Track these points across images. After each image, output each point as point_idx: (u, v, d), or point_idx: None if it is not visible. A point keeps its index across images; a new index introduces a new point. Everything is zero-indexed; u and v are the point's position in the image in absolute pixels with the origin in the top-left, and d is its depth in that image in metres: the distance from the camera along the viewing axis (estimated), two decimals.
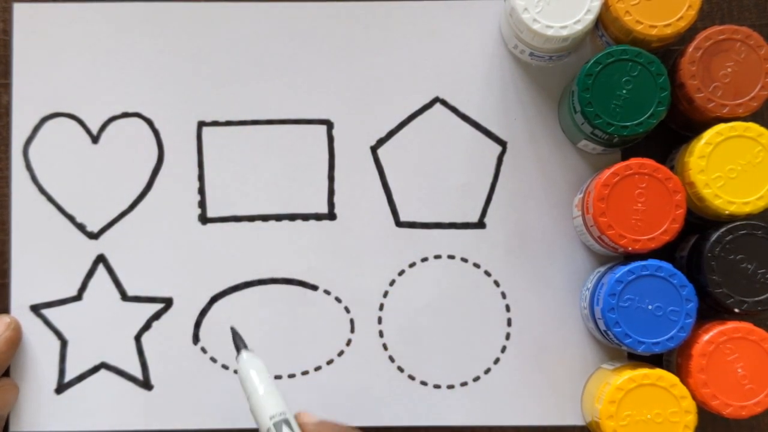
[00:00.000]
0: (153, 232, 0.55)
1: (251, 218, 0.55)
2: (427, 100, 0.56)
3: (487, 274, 0.55)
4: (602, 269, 0.53)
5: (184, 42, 0.56)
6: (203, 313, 0.55)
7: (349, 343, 0.55)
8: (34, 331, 0.55)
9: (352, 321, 0.55)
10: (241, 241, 0.55)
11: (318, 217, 0.56)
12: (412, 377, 0.55)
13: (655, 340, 0.49)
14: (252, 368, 0.48)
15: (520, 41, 0.53)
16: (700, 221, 0.52)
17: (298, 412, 0.47)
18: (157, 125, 0.56)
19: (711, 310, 0.50)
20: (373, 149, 0.56)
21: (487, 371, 0.55)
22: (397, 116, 0.56)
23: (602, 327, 0.50)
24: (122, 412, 0.55)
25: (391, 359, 0.55)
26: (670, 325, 0.49)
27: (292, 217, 0.56)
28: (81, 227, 0.55)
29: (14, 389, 0.54)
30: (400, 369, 0.55)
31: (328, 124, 0.56)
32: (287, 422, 0.46)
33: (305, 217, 0.56)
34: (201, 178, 0.56)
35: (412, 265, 0.55)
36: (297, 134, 0.56)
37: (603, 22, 0.52)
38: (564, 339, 0.55)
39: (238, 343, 0.50)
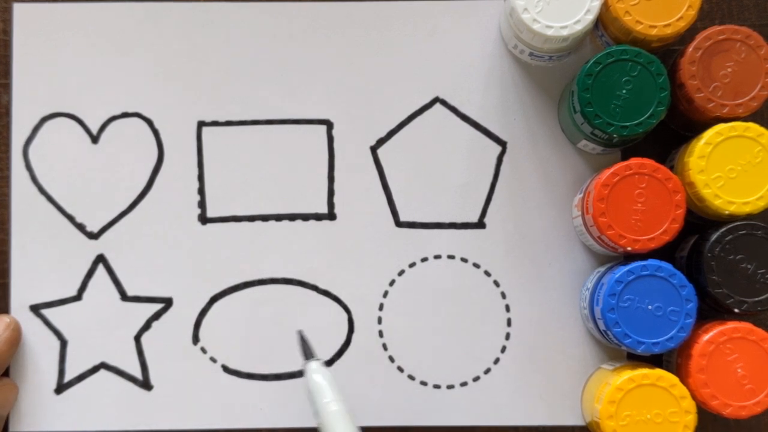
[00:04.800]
0: (153, 232, 0.55)
1: (251, 218, 0.55)
2: (427, 100, 0.56)
3: (487, 274, 0.55)
4: (602, 269, 0.53)
5: (184, 42, 0.56)
6: (203, 313, 0.55)
7: (349, 343, 0.55)
8: (34, 331, 0.55)
9: (352, 321, 0.55)
10: (241, 241, 0.55)
11: (318, 217, 0.56)
12: (412, 377, 0.55)
13: (654, 341, 0.49)
14: (324, 381, 0.48)
15: (520, 41, 0.53)
16: (700, 221, 0.52)
17: None
18: (157, 125, 0.56)
19: (711, 310, 0.50)
20: (373, 149, 0.56)
21: (487, 371, 0.55)
22: (397, 116, 0.56)
23: (602, 327, 0.50)
24: (122, 412, 0.55)
25: (391, 359, 0.55)
26: (670, 326, 0.49)
27: (292, 217, 0.56)
28: (81, 227, 0.55)
29: (14, 389, 0.54)
30: (400, 369, 0.55)
31: (328, 124, 0.56)
32: None
33: (305, 217, 0.56)
34: (201, 178, 0.56)
35: (412, 265, 0.55)
36: (297, 134, 0.56)
37: (603, 22, 0.52)
38: (564, 339, 0.55)
39: (307, 351, 0.51)
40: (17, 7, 0.56)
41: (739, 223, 0.49)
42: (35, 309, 0.55)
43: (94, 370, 0.55)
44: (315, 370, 0.49)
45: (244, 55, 0.56)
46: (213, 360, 0.55)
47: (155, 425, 0.55)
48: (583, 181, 0.55)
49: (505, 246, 0.55)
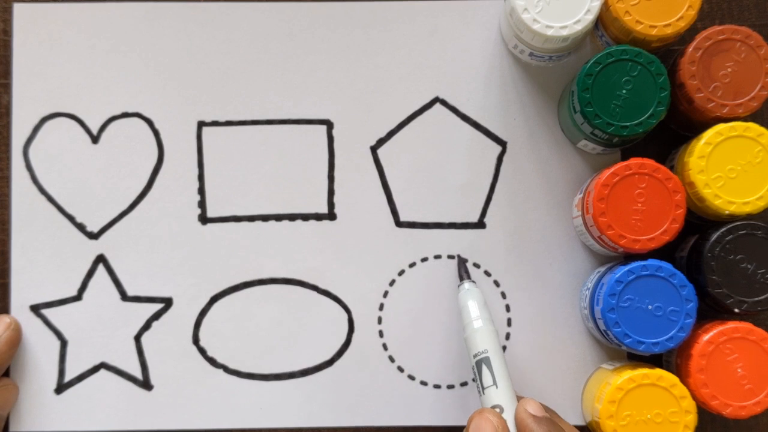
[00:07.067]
0: (153, 232, 0.55)
1: (251, 218, 0.55)
2: (427, 100, 0.56)
3: (487, 274, 0.55)
4: (602, 269, 0.53)
5: (184, 42, 0.56)
6: (203, 313, 0.55)
7: (349, 343, 0.55)
8: (34, 331, 0.55)
9: (352, 321, 0.55)
10: (241, 241, 0.55)
11: (318, 217, 0.56)
12: (412, 377, 0.55)
13: (654, 340, 0.49)
14: (470, 299, 0.51)
15: (520, 41, 0.53)
16: (700, 221, 0.52)
17: (522, 399, 0.48)
18: (157, 125, 0.56)
19: (711, 310, 0.50)
20: (373, 149, 0.56)
21: None
22: (397, 116, 0.56)
23: (602, 327, 0.50)
24: (122, 412, 0.55)
25: (391, 359, 0.55)
26: (670, 325, 0.49)
27: (292, 217, 0.56)
28: (81, 227, 0.55)
29: (14, 389, 0.54)
30: (400, 369, 0.55)
31: (328, 124, 0.56)
32: (487, 361, 0.49)
33: (305, 217, 0.56)
34: (201, 178, 0.56)
35: (412, 265, 0.55)
36: (297, 134, 0.56)
37: (603, 22, 0.52)
38: (564, 339, 0.55)
39: (462, 273, 0.54)
40: (17, 7, 0.56)
41: (739, 223, 0.49)
42: (35, 309, 0.55)
43: (94, 370, 0.55)
44: (465, 289, 0.52)
45: (244, 55, 0.56)
46: (213, 360, 0.55)
47: (155, 425, 0.55)
48: (583, 181, 0.55)
49: (505, 246, 0.55)
